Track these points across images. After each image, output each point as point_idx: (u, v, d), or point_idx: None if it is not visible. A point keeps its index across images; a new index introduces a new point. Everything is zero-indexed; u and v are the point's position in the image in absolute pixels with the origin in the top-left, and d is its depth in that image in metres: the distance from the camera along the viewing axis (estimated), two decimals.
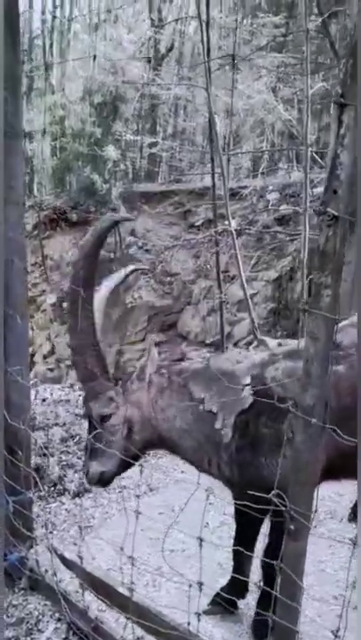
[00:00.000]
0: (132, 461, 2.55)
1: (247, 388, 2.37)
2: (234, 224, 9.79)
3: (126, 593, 2.10)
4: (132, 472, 4.01)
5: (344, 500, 3.61)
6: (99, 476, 2.52)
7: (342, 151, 1.30)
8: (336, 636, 1.39)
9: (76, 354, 2.46)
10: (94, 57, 12.01)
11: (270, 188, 13.96)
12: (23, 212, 2.47)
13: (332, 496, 3.72)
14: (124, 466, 2.55)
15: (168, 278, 13.58)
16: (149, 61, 16.77)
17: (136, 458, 2.58)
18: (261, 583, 1.81)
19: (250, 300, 9.29)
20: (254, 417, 2.33)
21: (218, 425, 2.40)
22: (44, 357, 14.35)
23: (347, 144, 1.29)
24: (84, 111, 15.72)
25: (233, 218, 10.22)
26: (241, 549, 2.46)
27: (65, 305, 2.58)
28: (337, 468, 1.99)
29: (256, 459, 2.33)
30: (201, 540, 1.72)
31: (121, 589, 2.23)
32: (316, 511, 1.54)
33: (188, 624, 1.85)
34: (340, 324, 2.58)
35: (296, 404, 1.51)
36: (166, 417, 2.50)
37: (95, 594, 2.30)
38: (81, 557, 2.19)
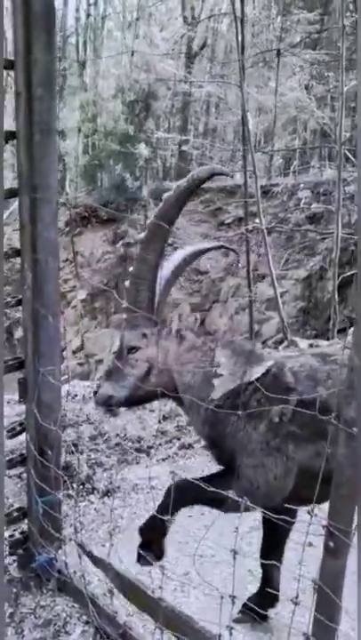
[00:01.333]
0: (140, 401, 2.64)
1: (263, 366, 2.37)
2: (265, 222, 9.71)
3: (155, 597, 2.06)
4: (161, 473, 4.01)
5: None
6: (106, 399, 2.55)
7: None
8: None
9: (133, 282, 2.48)
10: (132, 53, 12.03)
11: (302, 185, 13.84)
12: (57, 212, 2.45)
13: None
14: (131, 402, 2.60)
15: (197, 276, 13.54)
16: (187, 56, 16.71)
17: (144, 399, 2.64)
18: (297, 598, 1.74)
19: (280, 299, 9.22)
20: (252, 390, 2.33)
21: (216, 383, 2.41)
22: (74, 352, 14.47)
23: None
24: (117, 109, 15.76)
25: (263, 216, 10.14)
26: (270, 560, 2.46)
27: (142, 236, 2.64)
28: None
29: (228, 418, 2.34)
30: (235, 552, 1.67)
31: (150, 593, 2.19)
32: (357, 527, 1.48)
33: (220, 637, 1.80)
34: None
35: (338, 417, 1.45)
36: (182, 370, 2.51)
37: (123, 596, 2.28)
38: (109, 563, 2.17)
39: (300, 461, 2.27)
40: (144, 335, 2.52)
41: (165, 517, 2.25)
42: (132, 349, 2.52)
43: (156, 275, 2.46)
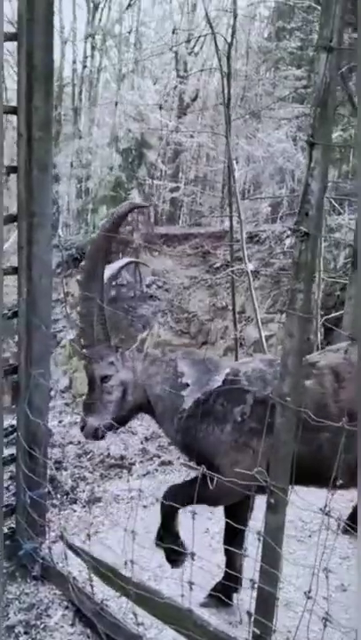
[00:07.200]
0: (123, 422, 2.92)
1: (222, 374, 2.75)
2: (251, 266, 10.15)
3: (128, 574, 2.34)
4: (141, 486, 4.28)
5: None
6: (94, 431, 2.81)
7: (312, 181, 1.61)
8: None
9: (85, 320, 2.78)
10: (116, 103, 12.73)
11: (288, 232, 14.33)
12: (50, 236, 2.80)
13: None
14: (116, 425, 2.85)
15: (185, 315, 13.84)
16: (179, 107, 17.46)
17: (127, 418, 2.94)
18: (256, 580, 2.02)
19: (264, 339, 9.56)
20: (216, 395, 2.69)
21: (185, 393, 2.74)
22: (62, 392, 14.57)
23: (315, 175, 1.60)
24: (110, 156, 16.34)
25: (250, 260, 10.58)
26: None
27: (79, 278, 2.85)
28: None
29: (200, 424, 2.67)
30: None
31: (123, 571, 2.47)
32: (292, 485, 1.80)
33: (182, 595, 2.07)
34: (326, 348, 2.97)
35: (271, 397, 1.79)
36: (151, 383, 2.84)
37: (101, 579, 2.55)
38: (89, 535, 2.45)
39: (264, 452, 2.59)
40: (111, 363, 2.84)
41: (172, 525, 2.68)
42: (105, 378, 2.82)
43: (103, 308, 2.77)
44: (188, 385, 2.76)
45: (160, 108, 15.92)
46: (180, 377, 2.80)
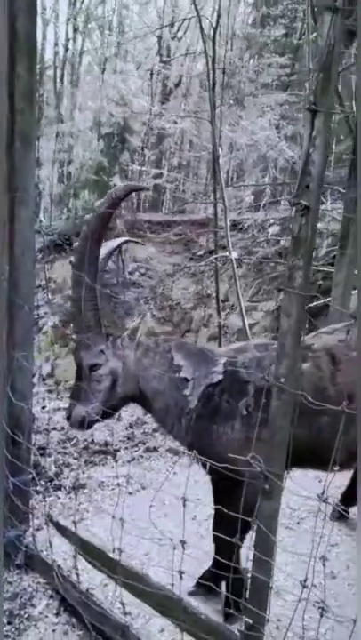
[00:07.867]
0: (112, 411, 2.79)
1: (220, 365, 2.65)
2: (235, 254, 10.08)
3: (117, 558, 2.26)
4: (127, 473, 4.21)
5: None
6: (81, 420, 2.68)
7: (314, 151, 1.52)
8: None
9: (76, 305, 2.64)
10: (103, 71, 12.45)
11: (271, 221, 14.28)
12: (33, 214, 2.69)
13: None
14: (105, 414, 2.73)
15: (168, 302, 13.77)
16: (162, 92, 17.31)
17: (116, 408, 2.83)
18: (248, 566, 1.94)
19: (247, 327, 9.51)
20: (220, 391, 2.61)
21: (187, 392, 2.65)
22: (43, 379, 14.45)
23: (318, 145, 1.52)
24: (93, 141, 16.14)
25: (233, 249, 10.51)
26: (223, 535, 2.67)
27: (72, 260, 2.74)
28: None
29: (210, 425, 2.59)
30: (185, 499, 1.89)
31: (112, 555, 2.40)
32: (288, 471, 1.73)
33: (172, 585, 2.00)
34: (319, 330, 2.90)
35: (266, 379, 1.72)
36: (146, 375, 2.72)
37: (86, 560, 2.47)
38: (75, 523, 2.37)
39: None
40: (101, 351, 2.71)
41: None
42: (94, 367, 2.70)
43: (96, 291, 2.63)
44: (187, 380, 2.66)
45: (151, 74, 15.73)
46: (177, 371, 2.69)
